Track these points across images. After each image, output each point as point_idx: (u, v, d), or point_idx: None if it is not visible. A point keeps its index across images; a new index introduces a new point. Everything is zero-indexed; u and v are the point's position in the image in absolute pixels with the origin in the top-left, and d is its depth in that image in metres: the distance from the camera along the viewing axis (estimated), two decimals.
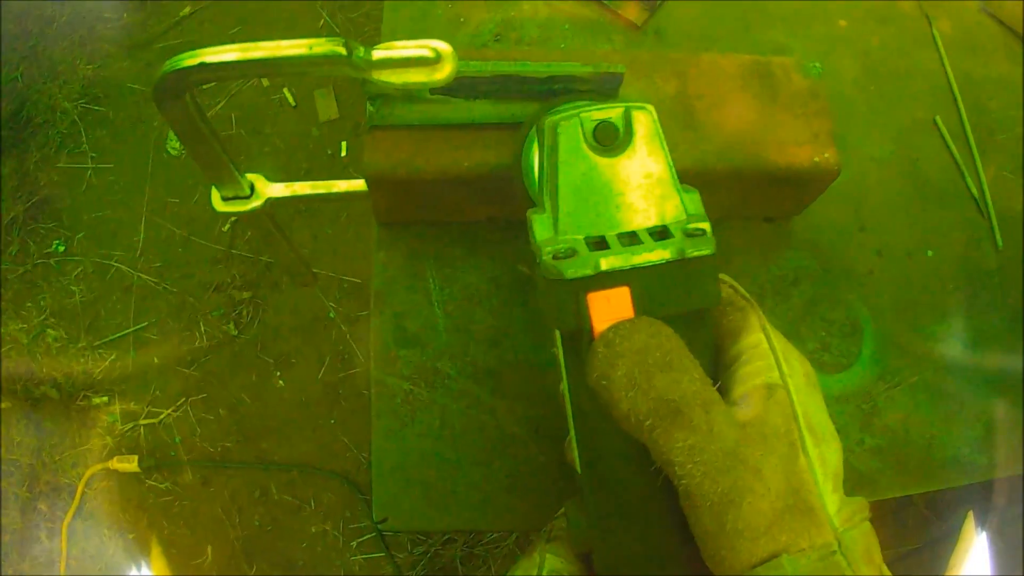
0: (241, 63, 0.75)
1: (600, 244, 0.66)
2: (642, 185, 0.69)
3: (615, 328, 0.61)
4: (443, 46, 0.78)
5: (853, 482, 1.13)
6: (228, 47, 0.75)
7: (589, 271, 0.63)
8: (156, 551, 2.70)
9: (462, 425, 1.07)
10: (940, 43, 1.36)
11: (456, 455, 1.06)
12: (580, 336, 0.64)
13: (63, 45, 3.22)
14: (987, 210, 1.28)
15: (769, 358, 0.66)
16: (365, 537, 2.72)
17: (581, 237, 0.67)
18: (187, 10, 3.23)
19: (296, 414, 2.83)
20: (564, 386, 0.70)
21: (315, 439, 2.80)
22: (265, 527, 2.74)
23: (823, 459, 0.63)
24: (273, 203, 1.09)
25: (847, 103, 1.27)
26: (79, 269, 2.96)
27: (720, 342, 0.70)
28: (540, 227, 0.70)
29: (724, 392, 0.65)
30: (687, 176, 0.76)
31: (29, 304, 2.94)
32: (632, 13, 1.28)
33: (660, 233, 0.67)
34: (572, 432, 0.71)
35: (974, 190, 1.28)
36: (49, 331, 2.90)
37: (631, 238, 0.66)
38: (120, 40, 3.23)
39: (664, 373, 0.58)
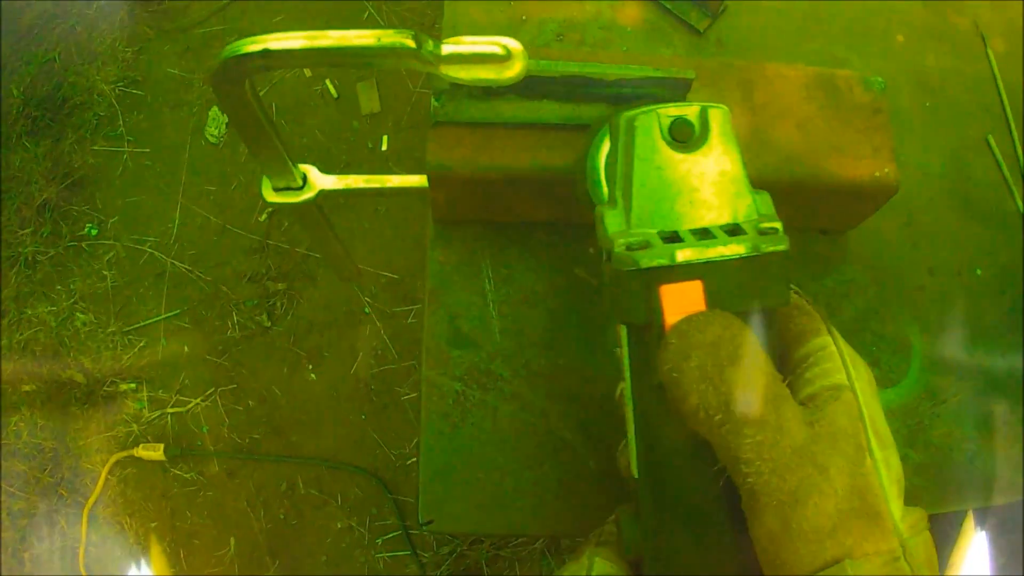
0: (307, 51, 0.74)
1: (674, 238, 0.65)
2: (716, 182, 0.69)
3: (689, 320, 0.60)
4: (514, 44, 0.77)
5: None
6: (293, 34, 0.74)
7: (665, 261, 0.62)
8: (156, 549, 2.70)
9: (513, 428, 1.06)
10: (994, 62, 1.35)
11: (506, 458, 1.05)
12: (650, 329, 0.63)
13: (102, 27, 3.23)
14: None
15: (836, 360, 0.65)
16: (390, 535, 2.72)
17: (655, 231, 0.66)
18: None
19: (327, 408, 2.82)
20: (626, 386, 0.69)
21: (345, 434, 2.80)
22: (290, 521, 2.74)
23: (888, 464, 0.63)
24: (324, 195, 1.09)
25: (902, 119, 1.27)
26: (111, 253, 2.97)
27: (787, 345, 0.69)
28: (612, 220, 0.69)
29: (791, 393, 0.63)
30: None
31: (59, 287, 2.94)
32: (694, 19, 1.28)
33: (733, 230, 0.66)
34: (630, 435, 0.70)
35: (1023, 210, 1.28)
36: (78, 315, 2.91)
37: (705, 233, 0.65)
38: (160, 24, 3.24)
39: (736, 367, 0.58)
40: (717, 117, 0.71)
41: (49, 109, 3.12)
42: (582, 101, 0.94)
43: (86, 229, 2.98)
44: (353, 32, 0.74)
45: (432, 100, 0.95)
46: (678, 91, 0.95)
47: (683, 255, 0.62)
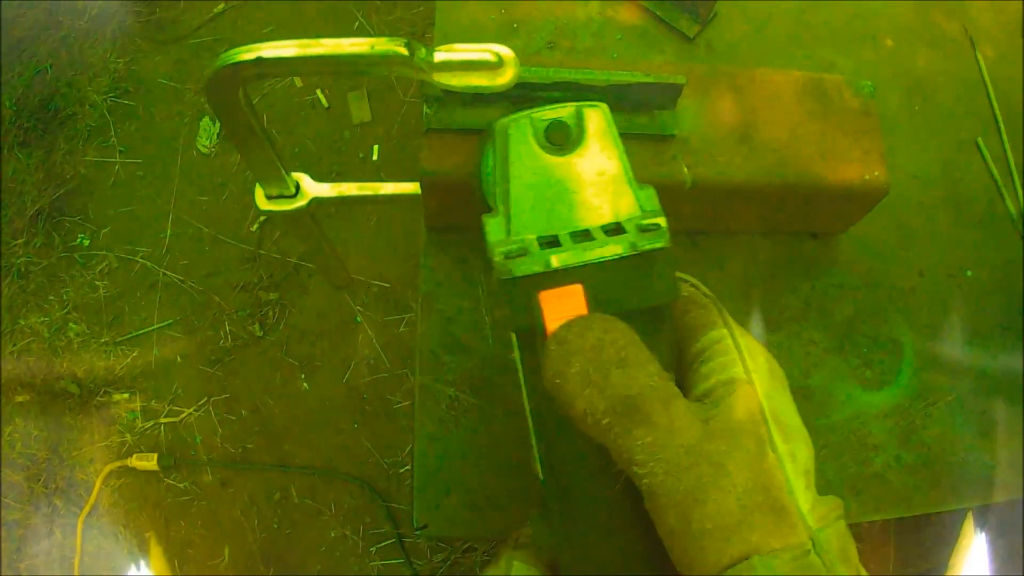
0: (300, 59, 0.75)
1: (552, 243, 0.65)
2: (595, 183, 0.68)
3: (568, 325, 0.59)
4: (505, 51, 0.78)
5: (889, 498, 1.13)
6: (287, 42, 0.74)
7: (539, 268, 0.62)
8: (156, 551, 2.70)
9: (507, 432, 1.06)
10: (983, 65, 1.36)
11: (500, 462, 1.05)
12: (534, 336, 0.63)
13: (94, 38, 3.23)
14: None
15: (732, 353, 0.65)
16: (384, 543, 2.72)
17: (533, 237, 0.66)
18: (221, 7, 3.24)
19: (319, 417, 2.82)
20: (522, 392, 0.69)
21: (338, 443, 2.79)
22: (284, 530, 2.73)
23: (793, 456, 0.61)
24: (317, 203, 1.09)
25: (891, 122, 1.28)
26: (104, 264, 2.96)
27: (682, 340, 0.69)
28: (493, 229, 0.69)
29: (687, 390, 0.64)
30: (739, 189, 0.77)
31: (52, 297, 2.94)
32: (684, 25, 1.28)
33: (613, 230, 0.66)
34: (532, 438, 0.70)
35: (1013, 212, 1.28)
36: (71, 325, 2.91)
37: (584, 236, 0.65)
38: (152, 35, 3.24)
39: (620, 369, 0.57)
40: (594, 117, 0.71)
41: (41, 120, 3.12)
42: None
43: (78, 239, 2.98)
44: (346, 40, 0.74)
45: (424, 107, 0.96)
46: (669, 96, 0.95)
47: (559, 260, 0.62)
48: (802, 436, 0.65)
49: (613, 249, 0.63)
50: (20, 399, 2.84)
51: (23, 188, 3.02)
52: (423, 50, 0.75)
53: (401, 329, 2.86)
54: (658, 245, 0.63)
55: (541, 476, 0.70)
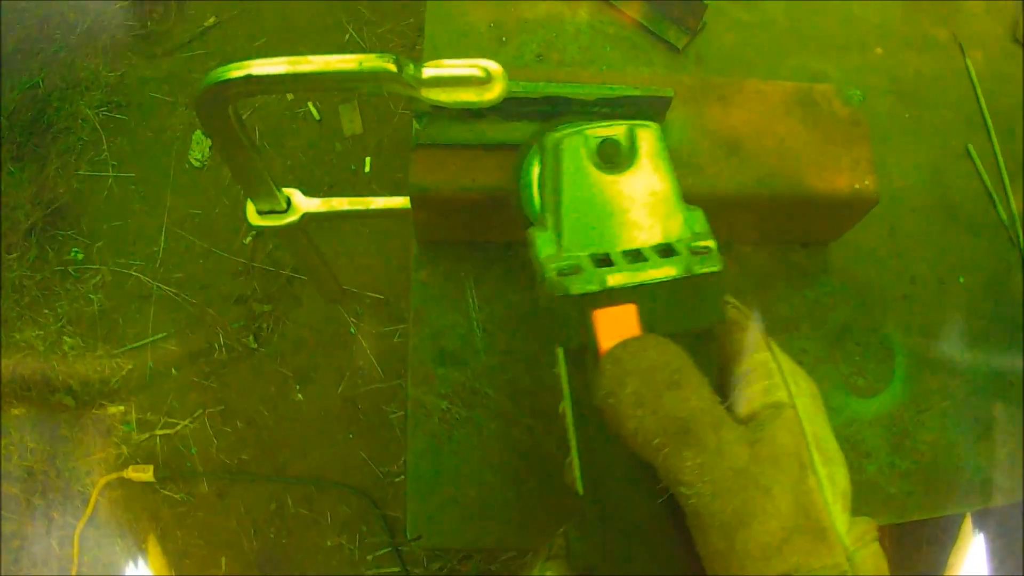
0: (289, 77, 0.75)
1: (605, 261, 0.65)
2: (647, 203, 0.69)
3: (623, 345, 0.60)
4: (493, 66, 0.78)
5: (882, 504, 1.13)
6: (276, 60, 0.74)
7: (595, 287, 0.62)
8: (155, 551, 2.70)
9: (499, 444, 1.07)
10: (973, 72, 1.36)
11: (493, 474, 1.06)
12: (585, 353, 0.63)
13: (86, 52, 3.24)
14: (1017, 238, 1.28)
15: (776, 377, 0.65)
16: (381, 552, 2.71)
17: (585, 254, 0.66)
18: (212, 20, 3.24)
19: (314, 428, 2.82)
20: (566, 405, 0.69)
21: (333, 453, 2.79)
22: (280, 540, 2.73)
23: (832, 479, 0.62)
24: (308, 218, 1.09)
25: (882, 130, 1.28)
26: (97, 277, 2.96)
27: (726, 362, 0.69)
28: (543, 244, 0.69)
29: (730, 411, 0.63)
30: (729, 201, 0.77)
31: (46, 311, 2.94)
32: (673, 37, 1.29)
33: (665, 250, 0.66)
34: (574, 452, 0.69)
35: (1004, 218, 1.28)
36: (66, 338, 2.90)
37: (636, 255, 0.66)
38: (144, 48, 3.24)
39: (672, 391, 0.57)
40: (646, 136, 0.71)
41: (34, 134, 3.12)
42: (563, 121, 0.94)
43: (72, 253, 2.98)
44: (335, 57, 0.74)
45: (414, 122, 0.96)
46: (657, 109, 0.95)
47: (614, 280, 0.63)
48: (840, 459, 0.65)
49: (668, 271, 0.63)
50: (16, 412, 2.84)
51: (16, 203, 3.02)
52: (411, 66, 0.75)
53: (395, 340, 2.86)
54: (712, 269, 0.64)
55: (580, 490, 0.70)
